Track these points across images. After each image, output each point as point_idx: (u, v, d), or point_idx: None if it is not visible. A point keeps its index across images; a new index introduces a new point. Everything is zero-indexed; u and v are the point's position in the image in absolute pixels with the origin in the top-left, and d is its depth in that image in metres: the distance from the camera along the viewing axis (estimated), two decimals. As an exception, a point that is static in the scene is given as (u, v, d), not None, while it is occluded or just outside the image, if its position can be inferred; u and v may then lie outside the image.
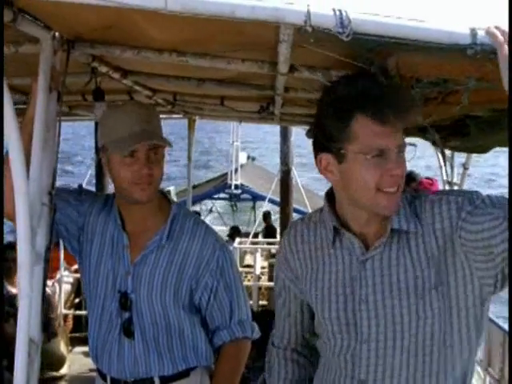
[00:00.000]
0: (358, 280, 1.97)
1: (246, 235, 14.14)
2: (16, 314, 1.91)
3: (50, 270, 2.19)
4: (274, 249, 11.59)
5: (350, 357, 2.00)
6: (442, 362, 1.93)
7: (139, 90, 3.91)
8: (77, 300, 8.71)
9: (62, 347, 7.29)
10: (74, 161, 43.53)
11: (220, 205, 20.86)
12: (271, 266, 9.63)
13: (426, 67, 1.80)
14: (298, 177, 11.79)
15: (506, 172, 1.61)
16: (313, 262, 2.10)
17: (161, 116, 2.78)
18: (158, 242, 2.63)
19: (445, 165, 5.83)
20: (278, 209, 15.31)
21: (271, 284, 9.02)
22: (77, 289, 8.63)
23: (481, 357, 5.55)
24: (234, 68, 2.43)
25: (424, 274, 1.90)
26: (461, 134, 3.06)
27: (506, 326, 5.44)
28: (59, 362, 7.13)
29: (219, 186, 18.16)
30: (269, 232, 15.10)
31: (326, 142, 1.87)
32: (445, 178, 6.11)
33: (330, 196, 2.02)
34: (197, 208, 17.15)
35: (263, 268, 9.91)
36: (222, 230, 14.93)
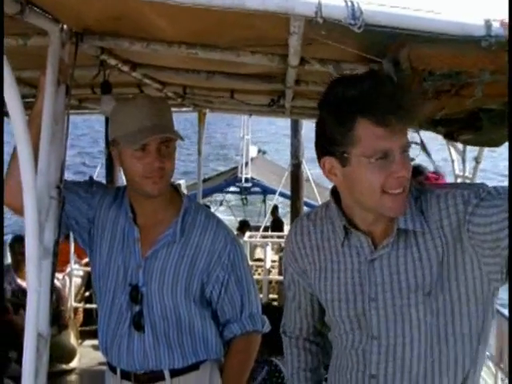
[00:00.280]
0: (367, 279, 1.97)
1: (257, 229, 14.13)
2: (25, 306, 1.90)
3: (60, 263, 2.18)
4: (284, 242, 11.55)
5: (361, 352, 2.01)
6: (452, 356, 1.92)
7: (149, 83, 3.90)
8: (87, 293, 8.72)
9: (73, 340, 7.30)
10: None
11: (230, 198, 20.86)
12: (281, 260, 9.61)
13: (439, 59, 1.77)
14: (309, 170, 11.76)
15: (507, 171, 1.60)
16: (320, 260, 2.09)
17: (170, 109, 2.75)
18: (171, 236, 2.62)
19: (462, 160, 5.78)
20: (288, 202, 15.36)
21: (281, 278, 8.99)
22: (87, 282, 8.63)
23: (492, 352, 5.52)
24: (243, 61, 2.41)
25: (432, 272, 1.88)
26: (473, 127, 3.03)
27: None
28: (70, 354, 7.14)
29: (230, 179, 18.14)
30: (276, 225, 15.10)
31: (329, 145, 1.84)
32: (457, 172, 6.08)
33: (336, 193, 2.00)
34: (207, 201, 17.16)
35: (273, 262, 9.86)
36: (231, 221, 14.93)
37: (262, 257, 10.24)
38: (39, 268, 1.90)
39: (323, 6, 1.47)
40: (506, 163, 1.69)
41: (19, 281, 7.20)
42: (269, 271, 9.10)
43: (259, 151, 21.14)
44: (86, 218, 2.70)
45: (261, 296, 7.93)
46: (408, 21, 1.52)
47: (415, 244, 1.91)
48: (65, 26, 2.12)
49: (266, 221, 14.83)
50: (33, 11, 1.88)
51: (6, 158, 2.13)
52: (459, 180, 6.05)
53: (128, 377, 2.67)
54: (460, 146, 5.71)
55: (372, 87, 1.75)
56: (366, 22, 1.49)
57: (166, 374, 2.64)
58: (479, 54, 1.62)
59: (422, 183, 2.05)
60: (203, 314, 2.69)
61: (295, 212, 10.51)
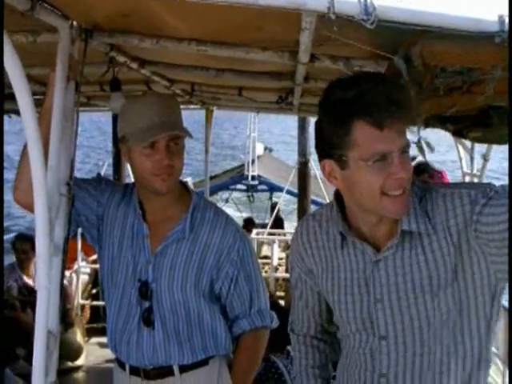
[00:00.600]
0: (372, 280, 1.96)
1: (263, 226, 14.11)
2: (33, 302, 1.90)
3: (67, 260, 2.18)
4: (290, 241, 11.53)
5: (369, 351, 2.01)
6: (461, 354, 1.92)
7: (157, 80, 3.90)
8: (94, 291, 8.73)
9: (79, 338, 7.29)
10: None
11: (237, 196, 20.84)
12: (288, 258, 9.58)
13: (452, 56, 1.76)
14: (316, 168, 11.73)
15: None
16: (327, 260, 2.08)
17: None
18: (180, 233, 2.62)
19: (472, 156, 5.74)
20: (294, 200, 15.32)
21: (288, 275, 9.00)
22: (94, 279, 8.65)
23: (501, 350, 5.50)
24: (253, 58, 2.40)
25: (439, 273, 1.87)
26: (483, 124, 3.01)
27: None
28: (76, 352, 7.14)
29: (236, 176, 18.12)
30: (276, 223, 15.11)
31: (328, 148, 1.83)
32: (465, 169, 6.05)
33: (340, 196, 1.99)
34: (213, 199, 17.14)
35: (280, 259, 9.86)
36: (237, 218, 14.91)
37: (268, 254, 10.23)
38: (49, 265, 1.89)
39: (336, 1, 1.45)
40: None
41: (25, 278, 7.21)
42: (276, 268, 9.09)
43: (265, 149, 21.10)
44: (95, 214, 2.70)
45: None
46: (421, 16, 1.50)
47: (420, 245, 1.89)
48: (74, 23, 2.12)
49: (273, 218, 14.79)
50: (43, 8, 1.88)
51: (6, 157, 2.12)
52: (467, 178, 6.02)
53: (137, 373, 2.67)
54: (468, 143, 5.69)
55: (368, 89, 1.72)
56: (379, 18, 1.47)
57: (176, 369, 2.64)
58: (492, 51, 1.60)
59: (426, 182, 2.03)
60: (212, 309, 2.69)
61: (302, 210, 10.50)
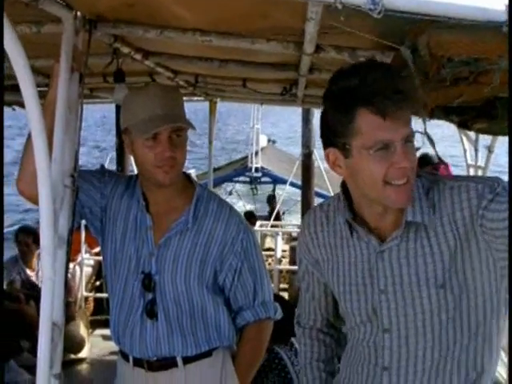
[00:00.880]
0: (376, 271, 1.95)
1: (267, 218, 14.12)
2: (36, 296, 1.90)
3: (71, 252, 2.18)
4: (295, 232, 11.56)
5: (373, 344, 2.00)
6: (465, 348, 1.91)
7: (161, 71, 3.89)
8: (97, 283, 8.73)
9: (82, 330, 7.31)
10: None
11: (240, 188, 20.84)
12: (292, 250, 9.61)
13: (459, 46, 1.74)
14: (320, 160, 11.70)
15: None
16: (332, 251, 2.08)
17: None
18: (183, 224, 2.62)
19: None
20: (294, 191, 15.31)
21: (292, 267, 9.01)
22: (98, 271, 8.65)
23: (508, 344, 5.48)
24: (258, 48, 2.39)
25: (444, 265, 1.86)
26: (489, 115, 3.00)
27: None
28: (79, 345, 7.15)
29: (239, 168, 18.11)
30: (272, 215, 15.12)
31: (332, 137, 1.83)
32: (469, 161, 6.03)
33: (346, 186, 1.98)
34: (217, 191, 17.14)
35: (284, 251, 9.87)
36: (240, 209, 14.90)
37: (272, 246, 10.22)
38: (54, 257, 1.89)
39: (342, -10, 1.44)
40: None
41: (28, 272, 7.22)
42: (280, 261, 9.09)
43: (269, 141, 21.08)
44: (99, 206, 2.70)
45: (272, 285, 7.92)
46: (428, 6, 1.49)
47: (426, 237, 1.88)
48: (78, 13, 2.11)
49: (277, 210, 14.79)
50: (47, -2, 1.87)
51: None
52: (472, 170, 6.01)
53: (141, 364, 2.67)
54: (472, 135, 5.67)
55: (372, 77, 1.72)
56: (386, 8, 1.46)
57: (179, 360, 2.64)
58: (499, 40, 1.59)
59: (434, 174, 2.02)
60: (216, 301, 2.69)
61: (306, 202, 10.49)
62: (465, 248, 1.84)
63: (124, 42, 2.76)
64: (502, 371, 5.43)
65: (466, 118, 3.33)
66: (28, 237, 7.17)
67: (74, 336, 7.07)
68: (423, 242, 1.88)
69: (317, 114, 10.00)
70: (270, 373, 4.09)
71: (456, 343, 1.90)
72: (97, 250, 8.21)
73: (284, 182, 15.65)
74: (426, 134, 1.96)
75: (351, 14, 1.52)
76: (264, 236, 12.18)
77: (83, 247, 8.25)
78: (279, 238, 9.22)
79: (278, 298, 5.27)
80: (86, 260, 8.52)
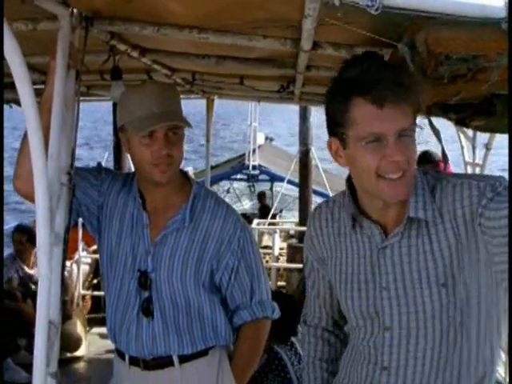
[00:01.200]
0: (378, 267, 1.95)
1: (260, 216, 14.16)
2: (33, 294, 1.90)
3: (68, 250, 2.17)
4: (292, 230, 11.56)
5: (373, 343, 1.99)
6: (466, 348, 1.89)
7: (158, 68, 3.88)
8: (95, 281, 8.72)
9: (79, 328, 7.31)
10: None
11: (238, 186, 20.86)
12: (290, 247, 9.62)
13: (457, 43, 1.74)
14: (318, 158, 11.70)
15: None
16: (336, 247, 2.07)
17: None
18: (180, 222, 2.61)
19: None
20: (291, 188, 15.34)
21: (290, 265, 9.03)
22: (95, 269, 8.65)
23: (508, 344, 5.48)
24: (255, 45, 2.38)
25: (445, 262, 1.85)
26: (487, 112, 3.00)
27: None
28: (76, 343, 7.16)
29: (237, 166, 18.13)
30: (263, 212, 15.16)
31: (333, 126, 1.84)
32: (467, 159, 6.02)
33: (351, 181, 1.98)
34: (214, 188, 17.15)
35: (282, 249, 9.88)
36: (237, 206, 14.92)
37: (269, 244, 10.24)
38: (50, 255, 1.88)
39: (340, -13, 1.44)
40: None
41: (26, 269, 7.23)
42: (277, 258, 9.10)
43: (266, 138, 21.09)
44: (96, 204, 2.69)
45: (269, 283, 7.92)
46: (426, 3, 1.49)
47: (427, 234, 1.87)
48: (75, 10, 2.10)
49: (274, 208, 14.81)
50: (43, -5, 1.87)
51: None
52: (469, 167, 6.00)
53: (137, 363, 2.66)
54: (470, 132, 5.66)
55: (370, 67, 1.73)
56: (384, 4, 1.46)
57: (175, 359, 2.63)
58: (497, 37, 1.59)
59: (439, 171, 2.01)
60: (212, 299, 2.68)
61: (303, 200, 10.48)
62: (465, 247, 1.83)
63: (121, 39, 2.75)
64: (501, 371, 5.44)
65: (464, 115, 3.33)
66: (23, 236, 7.19)
67: (71, 334, 7.08)
68: (424, 239, 1.88)
69: (314, 112, 10.01)
70: (270, 373, 4.08)
71: (456, 345, 1.88)
72: (94, 247, 8.20)
73: (281, 179, 15.67)
74: (433, 127, 1.95)
75: (349, 11, 1.51)
76: (261, 234, 12.19)
77: (80, 245, 8.25)
78: (277, 236, 9.23)
79: (279, 294, 5.26)
80: (84, 258, 8.52)
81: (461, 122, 3.68)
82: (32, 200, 1.89)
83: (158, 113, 2.44)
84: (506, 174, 1.75)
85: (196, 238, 2.60)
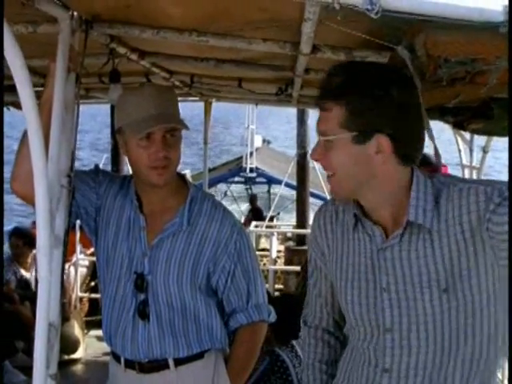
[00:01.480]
0: (378, 268, 1.94)
1: (251, 219, 14.17)
2: (30, 296, 1.90)
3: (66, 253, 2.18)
4: (290, 232, 11.55)
5: (373, 346, 1.97)
6: (469, 352, 1.88)
7: (156, 71, 3.89)
8: (92, 283, 8.71)
9: (77, 331, 7.31)
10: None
11: (235, 188, 20.85)
12: (287, 250, 9.62)
13: (455, 46, 1.75)
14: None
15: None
16: (339, 244, 2.07)
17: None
18: (177, 225, 2.60)
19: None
20: (289, 191, 15.34)
21: (287, 268, 9.02)
22: (92, 272, 8.63)
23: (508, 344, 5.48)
24: (255, 48, 2.39)
25: (447, 268, 1.84)
26: (484, 116, 3.01)
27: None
28: (73, 345, 7.15)
29: (234, 169, 18.12)
30: (254, 214, 15.16)
31: None
32: (464, 162, 6.02)
33: None
34: (212, 191, 17.13)
35: (279, 252, 9.88)
36: (235, 209, 14.91)
37: (267, 246, 10.23)
38: (50, 257, 1.88)
39: (340, -10, 1.44)
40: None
41: (23, 271, 7.23)
42: (275, 261, 9.10)
43: (264, 141, 21.10)
44: (94, 207, 2.69)
45: (266, 286, 7.93)
46: (425, 6, 1.49)
47: (429, 239, 1.86)
48: (75, 13, 2.11)
49: (272, 211, 14.82)
50: (44, -2, 1.87)
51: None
52: (466, 170, 6.00)
53: (132, 366, 2.65)
54: (467, 135, 5.66)
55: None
56: (383, 8, 1.46)
57: (171, 362, 2.63)
58: (496, 41, 1.60)
59: (446, 175, 2.01)
60: (208, 302, 2.67)
61: (301, 202, 10.49)
62: (471, 253, 1.81)
63: (120, 42, 2.76)
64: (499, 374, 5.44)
65: (462, 118, 3.34)
66: (19, 240, 7.20)
67: (69, 337, 7.07)
68: (426, 243, 1.86)
69: (312, 115, 10.01)
70: (272, 375, 4.08)
71: (459, 350, 1.87)
72: (92, 250, 8.20)
73: (279, 182, 15.68)
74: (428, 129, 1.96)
75: (348, 14, 1.52)
76: (259, 236, 12.19)
77: (78, 247, 8.24)
78: (274, 239, 9.23)
79: (276, 298, 5.26)
80: (81, 260, 8.52)
81: (458, 125, 3.69)
82: (30, 201, 1.89)
83: (155, 115, 2.44)
84: (503, 177, 1.76)
85: (193, 240, 2.60)
